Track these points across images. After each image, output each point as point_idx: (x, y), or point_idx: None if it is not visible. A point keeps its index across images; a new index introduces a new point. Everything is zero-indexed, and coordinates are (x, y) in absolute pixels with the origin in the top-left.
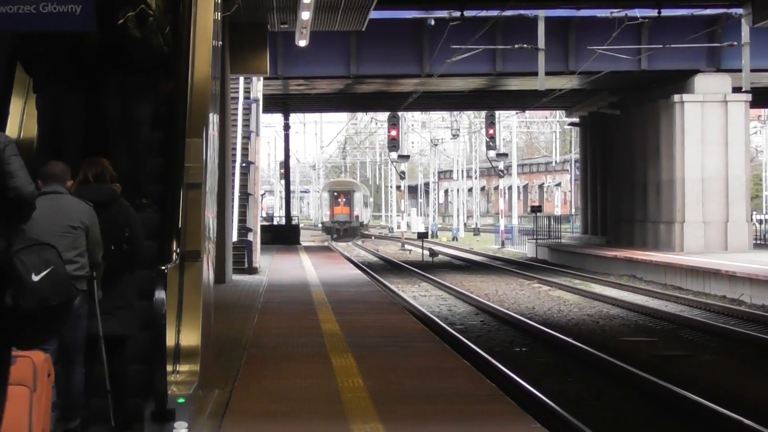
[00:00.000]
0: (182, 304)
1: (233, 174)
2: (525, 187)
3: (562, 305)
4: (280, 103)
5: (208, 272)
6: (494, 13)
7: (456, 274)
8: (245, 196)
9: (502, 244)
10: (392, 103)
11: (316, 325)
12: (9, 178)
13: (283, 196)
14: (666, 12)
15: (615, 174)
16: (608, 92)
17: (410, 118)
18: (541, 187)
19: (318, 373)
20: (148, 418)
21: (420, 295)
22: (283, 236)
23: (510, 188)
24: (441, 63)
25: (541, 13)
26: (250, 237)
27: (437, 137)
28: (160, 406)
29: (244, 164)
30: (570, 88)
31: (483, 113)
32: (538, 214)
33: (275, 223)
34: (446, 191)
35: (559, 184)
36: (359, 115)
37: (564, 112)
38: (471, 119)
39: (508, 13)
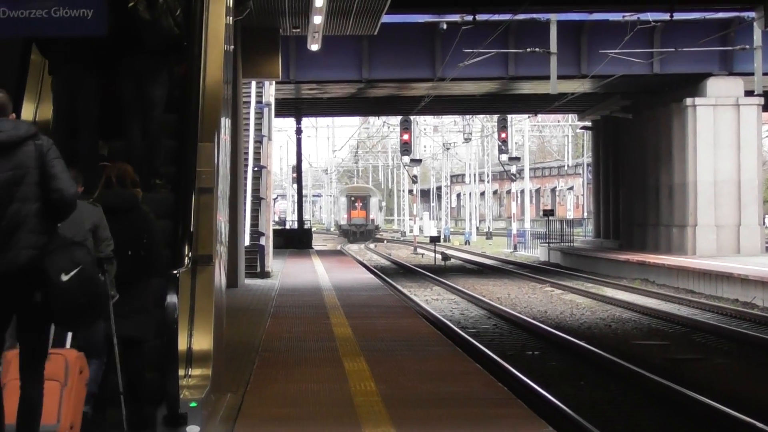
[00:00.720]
0: (194, 309)
1: (245, 178)
2: (537, 190)
3: (574, 309)
4: (292, 107)
5: (220, 276)
6: (506, 17)
7: (468, 277)
8: (257, 200)
9: (515, 247)
10: (404, 107)
11: (328, 329)
12: (53, 180)
13: (296, 200)
14: (678, 15)
15: (627, 177)
16: (620, 96)
17: (422, 122)
18: (553, 190)
19: (330, 377)
20: (160, 422)
21: (432, 298)
22: (295, 240)
23: (522, 192)
24: (453, 67)
25: (553, 17)
26: (263, 241)
27: (449, 141)
28: (172, 410)
29: (256, 168)
30: (582, 92)
31: (495, 117)
32: (551, 217)
33: (287, 227)
34: (458, 195)
35: (571, 188)
36: (371, 119)
37: (576, 115)
38: (483, 123)
39: (521, 17)
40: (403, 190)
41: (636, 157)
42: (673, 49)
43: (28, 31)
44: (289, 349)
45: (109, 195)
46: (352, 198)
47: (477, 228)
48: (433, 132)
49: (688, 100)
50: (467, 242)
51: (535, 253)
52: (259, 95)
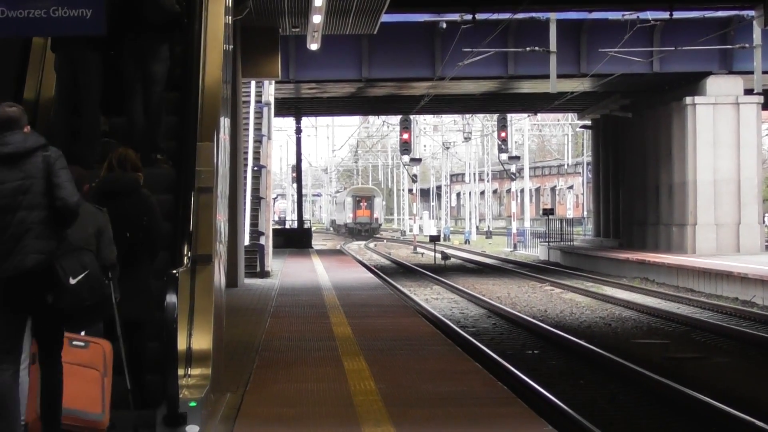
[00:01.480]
0: (194, 308)
1: (245, 178)
2: (537, 190)
3: (574, 308)
4: (291, 107)
5: (220, 276)
6: (506, 16)
7: (468, 277)
8: (257, 199)
9: (515, 247)
10: (404, 106)
11: (328, 328)
12: (57, 189)
13: (295, 199)
14: (678, 14)
15: (627, 176)
16: (620, 95)
17: (422, 122)
18: (553, 189)
19: (330, 377)
20: (160, 422)
21: (432, 298)
22: (295, 240)
23: (522, 191)
24: (453, 66)
25: (553, 16)
26: (262, 241)
27: (449, 140)
28: (171, 409)
29: (255, 168)
30: (582, 91)
31: (495, 116)
32: (550, 216)
33: (287, 226)
34: (458, 194)
35: (571, 187)
36: (371, 118)
37: (576, 114)
38: (483, 122)
39: (520, 16)
40: (403, 190)
41: (636, 156)
42: (673, 48)
43: (27, 31)
44: (289, 349)
45: (110, 179)
46: (358, 198)
47: (477, 227)
48: (433, 131)
49: (688, 99)
50: (467, 241)
51: (535, 252)
52: (259, 95)
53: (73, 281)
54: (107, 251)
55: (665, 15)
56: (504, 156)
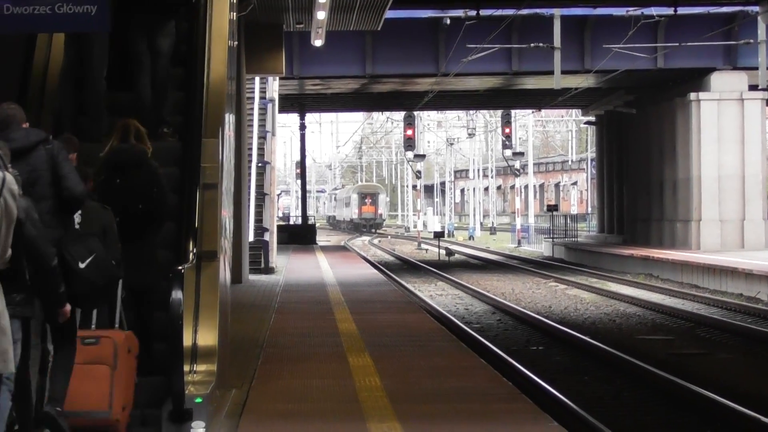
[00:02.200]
0: (199, 304)
1: (249, 174)
2: (541, 186)
3: (578, 304)
4: (295, 103)
5: (225, 272)
6: (510, 12)
7: (472, 273)
8: (261, 196)
9: (519, 243)
10: (408, 102)
11: (332, 324)
12: (63, 180)
13: (300, 195)
14: (682, 10)
15: (631, 172)
16: (624, 91)
17: (426, 118)
18: (557, 185)
19: (335, 373)
20: (165, 418)
21: (437, 294)
22: (299, 236)
23: (526, 187)
24: (457, 62)
25: (557, 12)
26: (267, 237)
27: (453, 136)
28: (177, 405)
29: (260, 164)
30: (586, 87)
31: (499, 112)
32: (555, 213)
33: (291, 222)
34: (462, 190)
35: (575, 183)
36: (375, 114)
37: (580, 110)
38: (487, 118)
39: (524, 12)
40: (407, 186)
41: (640, 152)
42: (677, 44)
43: (32, 28)
44: (294, 345)
45: (118, 149)
46: (363, 195)
47: (481, 223)
48: (437, 127)
49: (692, 95)
50: (471, 237)
51: (539, 248)
52: (263, 91)
53: (82, 265)
54: (112, 249)
55: (669, 11)
56: (508, 152)
